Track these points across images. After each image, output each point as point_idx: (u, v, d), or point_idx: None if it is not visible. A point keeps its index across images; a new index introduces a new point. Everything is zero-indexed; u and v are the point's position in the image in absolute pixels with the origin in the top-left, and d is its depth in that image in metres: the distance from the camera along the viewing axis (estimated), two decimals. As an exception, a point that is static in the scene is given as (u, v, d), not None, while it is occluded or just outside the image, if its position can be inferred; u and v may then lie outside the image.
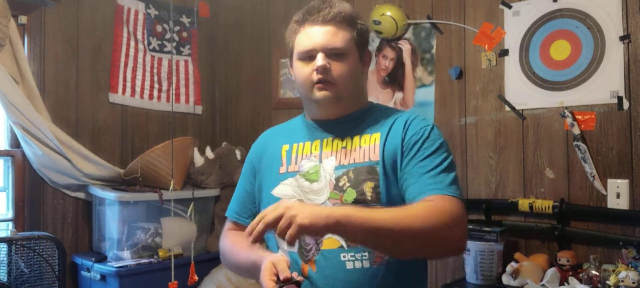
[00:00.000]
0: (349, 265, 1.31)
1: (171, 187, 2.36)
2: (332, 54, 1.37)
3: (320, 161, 1.41)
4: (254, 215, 1.46)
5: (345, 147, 1.40)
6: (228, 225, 1.56)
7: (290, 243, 1.11)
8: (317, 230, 1.12)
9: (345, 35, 1.39)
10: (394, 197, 1.32)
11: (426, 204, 1.23)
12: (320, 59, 1.36)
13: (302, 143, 1.46)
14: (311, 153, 1.43)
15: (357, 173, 1.35)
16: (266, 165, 1.49)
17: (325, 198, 1.36)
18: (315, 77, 1.37)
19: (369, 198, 1.32)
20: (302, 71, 1.40)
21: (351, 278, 1.31)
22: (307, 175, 1.40)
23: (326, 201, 1.35)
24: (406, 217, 1.18)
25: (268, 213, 1.14)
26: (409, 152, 1.33)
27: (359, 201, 1.32)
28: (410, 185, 1.29)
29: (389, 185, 1.33)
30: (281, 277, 1.15)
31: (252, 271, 1.29)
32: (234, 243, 1.45)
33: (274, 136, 1.56)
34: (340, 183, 1.35)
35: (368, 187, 1.33)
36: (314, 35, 1.39)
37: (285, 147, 1.48)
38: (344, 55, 1.38)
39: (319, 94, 1.38)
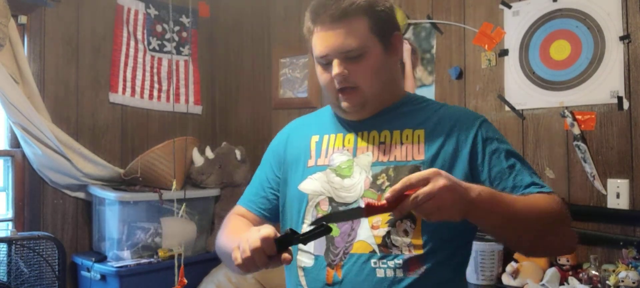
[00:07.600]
0: (380, 273, 1.18)
1: (173, 187, 2.37)
2: (348, 57, 1.24)
3: (354, 155, 1.29)
4: (268, 209, 1.39)
5: (383, 142, 1.28)
6: (235, 209, 1.44)
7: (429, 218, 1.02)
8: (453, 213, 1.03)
9: (359, 31, 1.23)
10: None
11: (549, 198, 1.22)
12: (336, 67, 1.24)
13: (334, 135, 1.34)
14: (343, 146, 1.31)
15: (399, 172, 1.22)
16: (293, 157, 1.37)
17: (357, 196, 1.24)
18: (337, 85, 1.26)
19: None
20: (323, 76, 1.30)
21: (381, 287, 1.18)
22: (339, 170, 1.28)
23: (359, 199, 1.23)
24: (536, 205, 1.16)
25: (413, 177, 1.02)
26: (484, 158, 1.24)
27: None
28: (509, 188, 1.22)
29: None
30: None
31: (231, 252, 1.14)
32: (231, 226, 1.36)
33: (302, 126, 1.43)
34: (379, 182, 1.23)
35: None
36: (325, 40, 1.25)
37: (315, 138, 1.36)
38: (362, 55, 1.24)
39: (343, 104, 1.28)
